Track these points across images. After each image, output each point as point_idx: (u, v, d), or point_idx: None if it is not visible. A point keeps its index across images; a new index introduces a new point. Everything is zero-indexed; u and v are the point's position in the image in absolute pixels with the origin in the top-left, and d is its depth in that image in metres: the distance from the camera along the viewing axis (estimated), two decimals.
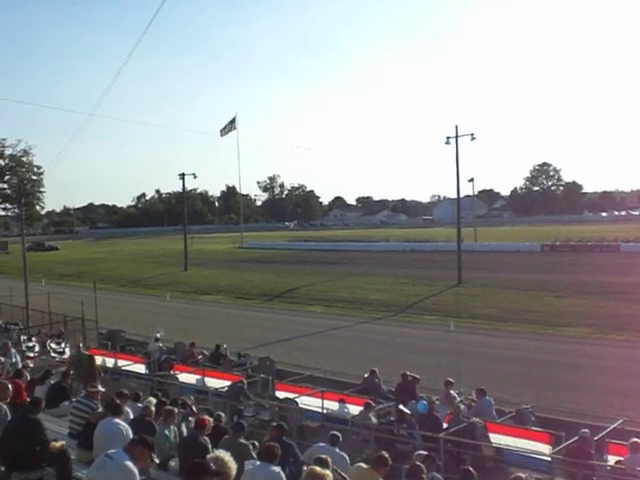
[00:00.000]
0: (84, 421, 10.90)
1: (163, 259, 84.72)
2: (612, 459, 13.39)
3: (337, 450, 10.93)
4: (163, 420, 11.23)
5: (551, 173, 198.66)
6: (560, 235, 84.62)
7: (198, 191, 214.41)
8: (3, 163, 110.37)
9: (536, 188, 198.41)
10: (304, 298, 48.17)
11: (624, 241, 73.13)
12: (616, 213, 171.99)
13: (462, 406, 16.69)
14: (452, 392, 17.78)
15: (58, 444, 9.42)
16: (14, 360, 21.48)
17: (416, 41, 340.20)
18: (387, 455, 9.39)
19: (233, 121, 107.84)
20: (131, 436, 8.92)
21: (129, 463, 7.24)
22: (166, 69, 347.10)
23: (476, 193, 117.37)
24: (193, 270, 70.65)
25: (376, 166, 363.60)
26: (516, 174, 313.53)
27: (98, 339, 29.70)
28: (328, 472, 7.89)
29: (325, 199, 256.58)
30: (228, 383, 19.55)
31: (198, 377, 21.58)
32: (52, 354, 24.73)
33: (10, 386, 10.59)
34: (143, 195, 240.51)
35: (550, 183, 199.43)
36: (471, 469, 9.63)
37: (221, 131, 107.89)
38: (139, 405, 12.83)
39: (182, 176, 78.35)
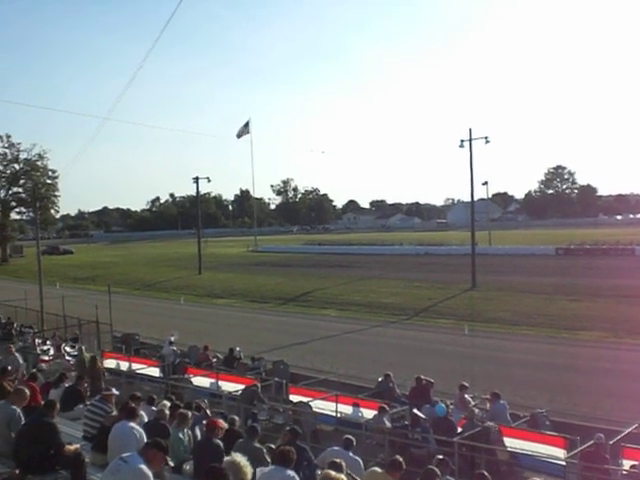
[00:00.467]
0: (98, 424, 10.94)
1: (177, 263, 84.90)
2: (627, 463, 13.31)
3: (351, 454, 10.89)
4: (177, 423, 11.23)
5: (566, 176, 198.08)
6: (575, 238, 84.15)
7: (212, 195, 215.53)
8: (18, 167, 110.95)
9: (550, 191, 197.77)
10: (318, 302, 48.16)
11: (639, 244, 72.61)
12: (631, 216, 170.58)
13: (476, 410, 16.64)
14: (466, 396, 17.73)
15: (73, 447, 9.45)
16: (21, 362, 21.63)
17: (428, 44, 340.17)
18: (401, 459, 9.35)
19: (247, 125, 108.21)
20: (145, 440, 8.92)
21: (143, 466, 7.24)
22: (179, 73, 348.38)
23: (490, 196, 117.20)
24: (207, 274, 70.73)
25: (390, 169, 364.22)
26: (530, 177, 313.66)
27: (112, 342, 29.77)
28: (342, 476, 7.89)
29: (339, 202, 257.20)
30: (242, 387, 19.59)
31: (212, 380, 21.60)
32: (67, 357, 24.81)
33: (27, 391, 10.61)
34: (157, 199, 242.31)
35: (565, 186, 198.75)
36: (486, 473, 9.58)
37: (237, 135, 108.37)
38: (153, 408, 12.84)
39: (196, 180, 78.62)
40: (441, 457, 10.89)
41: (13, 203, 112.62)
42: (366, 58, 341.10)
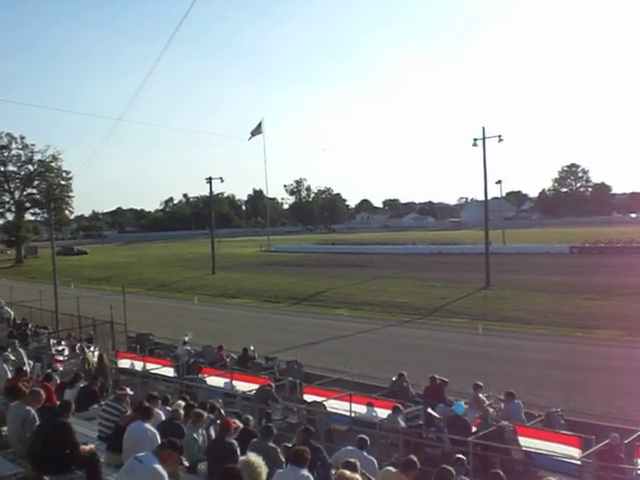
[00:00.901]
0: (113, 424, 10.98)
1: (191, 263, 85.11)
2: None
3: (365, 454, 10.88)
4: (192, 423, 11.25)
5: (579, 174, 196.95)
6: (589, 237, 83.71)
7: (225, 195, 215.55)
8: (32, 169, 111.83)
9: (564, 189, 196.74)
10: (331, 301, 48.18)
11: None
12: None
13: (491, 410, 16.58)
14: (481, 395, 17.67)
15: (88, 447, 9.48)
16: (26, 359, 21.74)
17: (441, 42, 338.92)
18: (416, 459, 9.33)
19: (260, 125, 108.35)
20: (159, 441, 8.95)
21: (158, 466, 7.25)
22: (192, 73, 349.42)
23: (504, 195, 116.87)
24: (221, 274, 70.88)
25: (403, 168, 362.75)
26: (544, 175, 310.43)
27: (127, 342, 29.86)
28: (357, 476, 7.89)
29: (352, 202, 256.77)
30: (256, 386, 19.59)
31: (226, 380, 21.62)
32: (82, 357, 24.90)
33: (43, 393, 10.67)
34: (171, 199, 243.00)
35: (579, 184, 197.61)
36: (500, 473, 9.56)
37: (250, 134, 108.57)
38: (168, 408, 12.88)
39: (209, 180, 78.71)
40: (459, 456, 10.88)
41: (27, 204, 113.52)
42: (378, 57, 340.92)
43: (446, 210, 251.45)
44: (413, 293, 49.01)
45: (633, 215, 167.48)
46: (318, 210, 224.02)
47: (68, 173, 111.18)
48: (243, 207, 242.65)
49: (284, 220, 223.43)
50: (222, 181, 79.56)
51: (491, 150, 60.66)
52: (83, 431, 11.25)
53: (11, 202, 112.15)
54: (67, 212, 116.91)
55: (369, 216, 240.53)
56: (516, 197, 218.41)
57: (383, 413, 17.00)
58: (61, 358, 24.53)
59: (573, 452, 13.90)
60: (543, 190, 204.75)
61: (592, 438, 14.12)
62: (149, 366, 24.39)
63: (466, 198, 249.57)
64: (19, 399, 10.35)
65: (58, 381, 16.11)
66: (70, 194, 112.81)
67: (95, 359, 22.61)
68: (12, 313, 38.85)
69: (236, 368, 23.01)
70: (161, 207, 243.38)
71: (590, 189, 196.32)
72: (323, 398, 18.66)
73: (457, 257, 74.70)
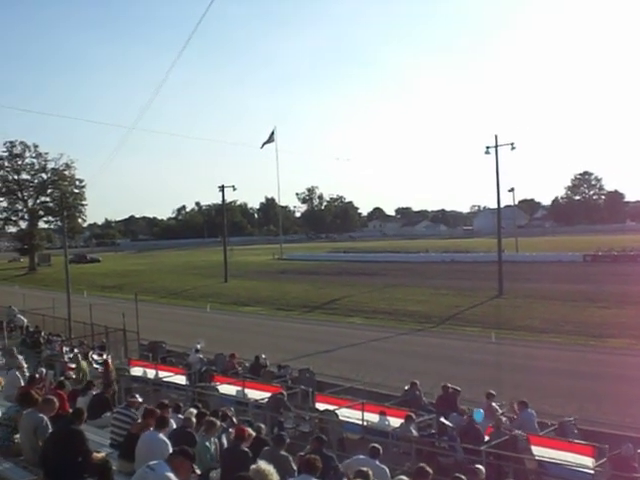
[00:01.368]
0: (125, 432, 11.00)
1: (203, 271, 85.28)
2: None
3: (377, 462, 10.84)
4: (204, 431, 11.25)
5: (593, 182, 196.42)
6: (602, 245, 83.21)
7: (237, 203, 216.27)
8: (46, 177, 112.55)
9: (578, 197, 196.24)
10: (344, 309, 48.14)
11: None
12: None
13: (504, 419, 16.50)
14: (494, 404, 17.60)
15: (100, 455, 9.49)
16: (24, 364, 21.90)
17: (455, 51, 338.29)
18: (427, 467, 9.27)
19: (272, 133, 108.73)
20: (170, 450, 8.94)
21: (170, 474, 7.24)
22: (207, 82, 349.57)
23: (517, 203, 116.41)
24: (233, 282, 70.97)
25: (415, 176, 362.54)
26: (557, 183, 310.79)
27: (139, 350, 29.92)
28: None
29: (364, 210, 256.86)
30: (268, 394, 19.57)
31: (238, 388, 21.61)
32: (94, 365, 25.00)
33: (56, 401, 10.69)
34: (183, 207, 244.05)
35: (592, 192, 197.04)
36: None
37: (265, 143, 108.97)
38: (180, 416, 12.89)
39: (222, 188, 79.02)
40: (478, 466, 10.82)
41: (41, 212, 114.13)
42: (392, 66, 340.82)
43: (459, 218, 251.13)
44: (426, 301, 48.91)
45: None
46: (330, 218, 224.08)
47: (81, 181, 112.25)
48: (255, 215, 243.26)
49: (296, 228, 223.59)
50: (234, 189, 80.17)
51: (504, 158, 60.38)
52: (95, 439, 11.27)
53: (24, 210, 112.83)
54: (80, 220, 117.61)
55: (381, 224, 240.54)
56: (529, 205, 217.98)
57: (395, 422, 16.92)
58: (73, 366, 24.58)
59: (586, 461, 13.82)
60: (556, 198, 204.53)
61: (605, 447, 14.04)
62: (161, 374, 24.39)
63: (479, 206, 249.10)
64: (32, 406, 10.36)
65: (70, 388, 16.16)
66: (83, 202, 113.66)
67: (90, 368, 22.90)
68: (25, 320, 39.06)
69: (248, 376, 23.01)
70: (174, 215, 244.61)
71: (603, 197, 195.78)
72: (335, 407, 18.60)
73: (470, 265, 74.48)
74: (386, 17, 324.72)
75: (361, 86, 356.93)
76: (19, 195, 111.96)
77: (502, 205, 58.09)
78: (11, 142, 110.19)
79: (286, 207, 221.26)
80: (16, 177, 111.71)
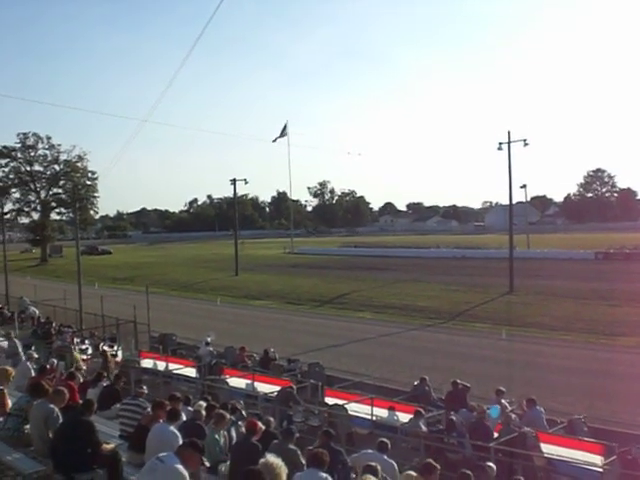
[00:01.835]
0: (134, 422, 11.05)
1: (214, 264, 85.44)
2: None
3: (385, 457, 10.85)
4: (214, 424, 11.27)
5: (605, 179, 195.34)
6: (614, 242, 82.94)
7: (249, 197, 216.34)
8: (58, 168, 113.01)
9: (590, 194, 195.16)
10: (354, 304, 48.12)
11: None
12: None
13: (513, 416, 16.46)
14: (503, 401, 17.55)
15: (109, 446, 9.54)
16: (20, 349, 22.04)
17: (468, 48, 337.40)
18: (434, 463, 9.27)
19: (285, 127, 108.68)
20: (180, 442, 8.96)
21: (180, 466, 7.27)
22: (220, 76, 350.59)
23: (529, 199, 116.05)
24: (244, 275, 71.02)
25: (427, 172, 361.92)
26: (569, 180, 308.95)
27: (150, 342, 29.95)
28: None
29: (375, 205, 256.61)
30: (277, 388, 19.57)
31: (248, 381, 21.61)
32: (84, 357, 25.03)
33: (67, 392, 10.74)
34: (195, 200, 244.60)
35: (604, 189, 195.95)
36: (522, 479, 9.49)
37: (276, 138, 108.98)
38: (189, 409, 12.92)
39: (233, 182, 79.04)
40: (489, 464, 10.81)
41: (53, 204, 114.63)
42: (405, 62, 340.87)
43: (470, 214, 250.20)
44: (436, 297, 48.83)
45: None
46: (342, 213, 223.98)
47: (94, 173, 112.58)
48: (267, 209, 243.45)
49: (307, 222, 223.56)
50: (246, 183, 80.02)
51: (516, 154, 60.23)
52: (105, 430, 11.31)
53: (37, 201, 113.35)
54: (92, 212, 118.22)
55: (392, 219, 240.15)
56: (541, 202, 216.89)
57: (404, 417, 16.91)
58: (84, 357, 24.66)
59: (595, 459, 13.75)
60: (568, 195, 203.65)
61: (615, 445, 13.98)
62: (171, 366, 24.40)
63: (490, 202, 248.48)
64: (42, 397, 10.42)
65: (81, 379, 16.21)
66: (95, 194, 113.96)
67: (82, 356, 23.11)
68: (37, 311, 39.18)
69: (258, 369, 23.04)
70: (185, 208, 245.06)
71: (616, 194, 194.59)
72: (344, 401, 18.60)
73: (481, 261, 74.32)
74: (398, 16, 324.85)
75: (373, 83, 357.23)
76: (32, 186, 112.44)
77: (514, 201, 57.79)
78: (24, 134, 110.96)
79: (297, 201, 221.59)
80: (29, 168, 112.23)
